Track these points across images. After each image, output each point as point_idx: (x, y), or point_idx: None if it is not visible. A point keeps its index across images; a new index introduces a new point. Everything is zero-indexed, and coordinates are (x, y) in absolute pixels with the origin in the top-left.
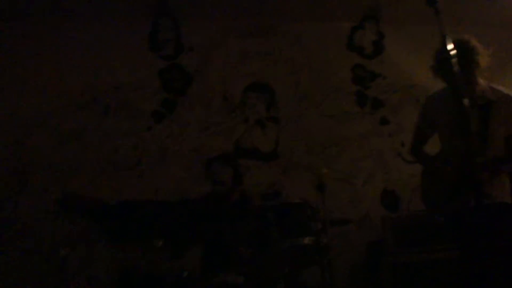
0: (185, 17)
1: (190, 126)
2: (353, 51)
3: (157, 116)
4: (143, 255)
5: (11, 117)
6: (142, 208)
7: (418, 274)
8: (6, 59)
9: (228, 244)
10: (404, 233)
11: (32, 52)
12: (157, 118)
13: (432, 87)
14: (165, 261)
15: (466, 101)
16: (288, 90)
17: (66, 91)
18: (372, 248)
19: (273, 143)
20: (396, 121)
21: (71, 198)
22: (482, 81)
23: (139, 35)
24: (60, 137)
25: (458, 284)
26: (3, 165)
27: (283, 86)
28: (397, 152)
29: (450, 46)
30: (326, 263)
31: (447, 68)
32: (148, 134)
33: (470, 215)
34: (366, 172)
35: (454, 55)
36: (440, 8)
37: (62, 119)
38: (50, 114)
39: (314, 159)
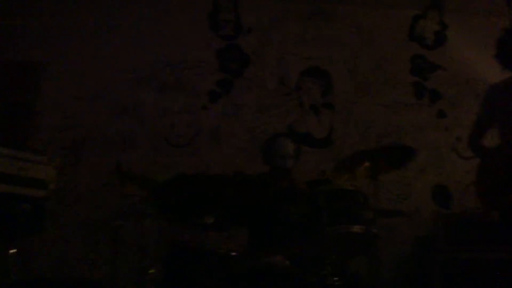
0: None
1: (245, 107)
2: (414, 41)
3: (213, 95)
4: (192, 231)
5: (70, 90)
6: (196, 182)
7: (469, 273)
8: (67, 33)
9: (276, 226)
10: (456, 230)
11: (92, 27)
12: (212, 98)
13: (494, 81)
14: (213, 239)
15: None
16: (344, 76)
17: (125, 66)
18: (420, 243)
19: (327, 129)
20: (453, 115)
21: (125, 174)
22: None
23: (199, 14)
24: (116, 111)
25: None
26: (61, 136)
27: (340, 73)
28: (452, 146)
29: None
30: (374, 253)
31: None
32: (203, 113)
33: None
34: (419, 165)
35: None
36: None
37: (119, 93)
38: (108, 88)
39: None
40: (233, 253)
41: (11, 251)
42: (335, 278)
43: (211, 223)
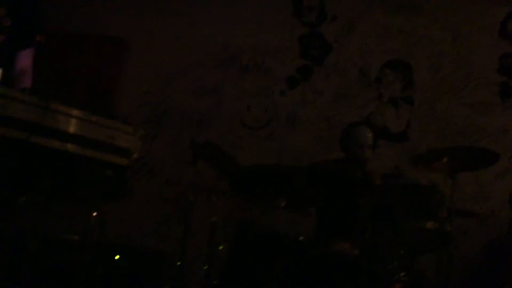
0: None
1: (323, 96)
2: (505, 39)
3: (292, 81)
4: (263, 213)
5: (153, 66)
6: (273, 173)
7: None
8: (153, 11)
9: (348, 215)
10: None
11: (178, 9)
12: (291, 84)
13: None
14: (281, 221)
15: None
16: (427, 72)
17: (207, 47)
18: (493, 247)
19: (404, 124)
20: None
21: (208, 147)
22: None
23: (283, 0)
24: (196, 91)
25: None
26: (141, 111)
27: (423, 68)
28: None
29: None
30: (444, 253)
31: None
32: (281, 98)
33: None
34: (499, 168)
35: None
36: None
37: (200, 73)
38: (189, 68)
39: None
40: (301, 238)
41: (94, 213)
42: (402, 274)
43: (282, 206)
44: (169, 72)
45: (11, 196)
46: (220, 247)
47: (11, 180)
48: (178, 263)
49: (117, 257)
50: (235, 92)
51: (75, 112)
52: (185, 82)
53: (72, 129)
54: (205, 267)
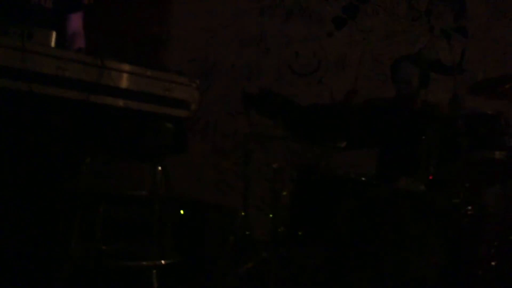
0: None
1: (371, 34)
2: None
3: (339, 22)
4: (323, 155)
5: (197, 21)
6: (331, 111)
7: None
8: None
9: (409, 150)
10: None
11: None
12: (338, 24)
13: None
14: (340, 163)
15: None
16: None
17: None
18: None
19: (458, 56)
20: None
21: (265, 94)
22: None
23: None
24: (242, 41)
25: None
26: (190, 67)
27: None
28: None
29: None
30: None
31: None
32: (329, 40)
33: None
34: None
35: None
36: None
37: (245, 23)
38: (233, 18)
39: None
40: (363, 178)
41: (159, 168)
42: (468, 207)
43: (343, 147)
44: (214, 24)
45: (76, 158)
46: (283, 193)
47: (74, 142)
48: (242, 214)
49: (182, 211)
50: (281, 39)
51: (130, 68)
52: (230, 33)
53: (128, 85)
54: (270, 215)
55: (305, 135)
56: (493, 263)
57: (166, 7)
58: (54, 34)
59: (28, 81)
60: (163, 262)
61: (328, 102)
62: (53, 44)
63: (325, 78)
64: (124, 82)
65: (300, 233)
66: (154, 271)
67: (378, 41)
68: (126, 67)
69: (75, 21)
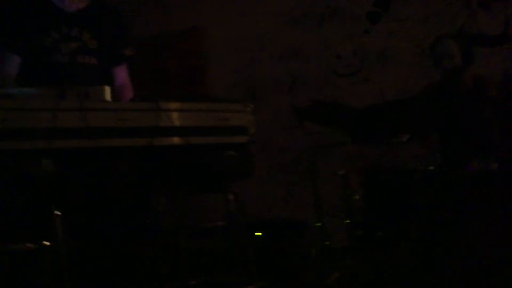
0: None
1: (408, 21)
2: None
3: (373, 17)
4: (387, 152)
5: (234, 45)
6: (385, 109)
7: None
8: None
9: (471, 131)
10: None
11: None
12: (373, 19)
13: None
14: (409, 156)
15: None
16: None
17: (279, 8)
18: None
19: (502, 24)
20: None
21: (316, 106)
22: None
23: None
24: (282, 55)
25: None
26: (237, 89)
27: None
28: None
29: None
30: None
31: None
32: (366, 37)
33: None
34: None
35: None
36: None
37: (280, 37)
38: (268, 35)
39: None
40: (431, 167)
41: (231, 197)
42: None
43: (405, 140)
44: (251, 45)
45: (150, 201)
46: (355, 197)
47: (145, 185)
48: (318, 224)
49: (259, 233)
50: (319, 45)
51: (184, 105)
52: (269, 49)
53: (186, 122)
54: (346, 221)
55: (365, 136)
56: None
57: (202, 39)
58: (108, 89)
59: (93, 138)
60: None
61: (381, 101)
62: (108, 98)
63: (371, 75)
64: (182, 120)
65: (380, 233)
66: None
67: (416, 27)
68: (181, 105)
69: (121, 73)
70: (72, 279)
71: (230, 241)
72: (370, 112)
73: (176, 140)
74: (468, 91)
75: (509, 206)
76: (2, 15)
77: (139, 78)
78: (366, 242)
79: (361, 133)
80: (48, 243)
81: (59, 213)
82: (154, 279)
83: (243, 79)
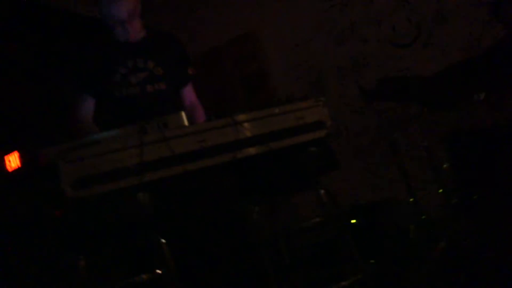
0: None
1: None
2: None
3: None
4: (464, 114)
5: (296, 32)
6: (456, 71)
7: None
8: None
9: None
10: None
11: None
12: None
13: None
14: (487, 115)
15: None
16: None
17: None
18: None
19: None
20: None
21: (382, 84)
22: None
23: None
24: (336, 37)
25: None
26: (300, 82)
27: None
28: None
29: None
30: None
31: None
32: (417, 1)
33: None
34: None
35: None
36: None
37: (332, 20)
38: (321, 20)
39: None
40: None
41: (322, 191)
42: None
43: (482, 99)
44: (305, 36)
45: (244, 212)
46: (444, 166)
47: (238, 199)
48: (411, 200)
49: (353, 221)
50: (371, 21)
51: (258, 113)
52: (323, 36)
53: (264, 129)
54: (439, 191)
55: (440, 102)
56: None
57: (257, 42)
58: (184, 114)
59: (180, 164)
60: (360, 276)
61: (447, 64)
62: (186, 122)
63: (431, 38)
64: (259, 128)
65: (475, 197)
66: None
67: None
68: (255, 114)
69: (189, 93)
70: None
71: (328, 235)
72: (440, 78)
73: (257, 149)
74: None
75: None
76: (73, 60)
77: (204, 92)
78: (463, 209)
79: (435, 100)
80: (160, 271)
81: (164, 241)
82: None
83: (304, 72)
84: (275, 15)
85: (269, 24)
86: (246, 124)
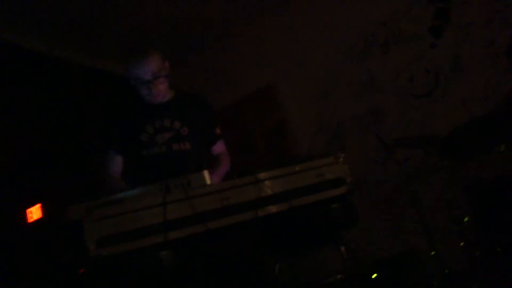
0: None
1: (474, 25)
2: None
3: (436, 30)
4: (486, 164)
5: (315, 84)
6: (475, 126)
7: None
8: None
9: None
10: None
11: (311, 15)
12: (436, 33)
13: None
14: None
15: None
16: None
17: (342, 44)
18: None
19: None
20: None
21: (402, 141)
22: None
23: None
24: (356, 89)
25: None
26: (318, 137)
27: None
28: None
29: None
30: None
31: None
32: (434, 52)
33: None
34: None
35: None
36: None
37: (351, 72)
38: (339, 71)
39: None
40: None
41: (342, 248)
42: None
43: (503, 150)
44: (325, 88)
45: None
46: (465, 219)
47: (260, 256)
48: (432, 253)
49: (374, 275)
50: (390, 72)
51: (280, 171)
52: (343, 88)
53: (285, 186)
54: (461, 244)
55: (460, 154)
56: None
57: (277, 95)
58: (207, 173)
59: (203, 222)
60: None
61: (465, 114)
62: (208, 181)
63: (448, 88)
64: (281, 186)
65: (498, 249)
66: None
67: (482, 30)
68: (277, 172)
69: (218, 147)
70: None
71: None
72: (459, 134)
73: (279, 206)
74: None
75: None
76: (104, 119)
77: (226, 145)
78: (487, 262)
79: (455, 152)
80: None
81: None
82: None
83: (324, 123)
84: (293, 68)
85: (288, 77)
86: (267, 182)
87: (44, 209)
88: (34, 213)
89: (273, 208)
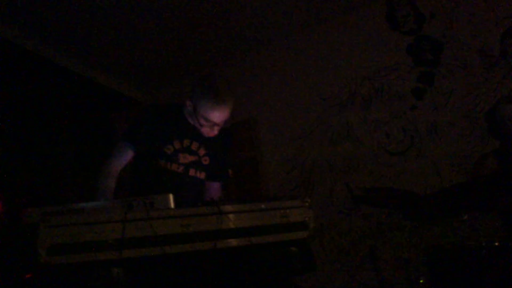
0: None
1: (454, 93)
2: None
3: (418, 92)
4: (447, 231)
5: (283, 133)
6: (445, 194)
7: None
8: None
9: None
10: None
11: (300, 59)
12: (418, 95)
13: None
14: (469, 234)
15: None
16: None
17: (326, 94)
18: None
19: None
20: None
21: (369, 193)
22: None
23: (377, 20)
24: (332, 137)
25: None
26: (288, 178)
27: None
28: None
29: None
30: None
31: None
32: (414, 113)
33: None
34: None
35: None
36: None
37: (328, 121)
38: (316, 120)
39: None
40: (496, 243)
41: None
42: None
43: (465, 219)
44: (301, 132)
45: None
46: (421, 281)
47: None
48: None
49: None
50: (368, 125)
51: (244, 207)
52: (319, 134)
53: (248, 222)
54: None
55: (424, 217)
56: None
57: (255, 129)
58: (171, 197)
59: (160, 246)
60: None
61: (436, 177)
62: (172, 205)
63: (422, 150)
64: (243, 221)
65: None
66: None
67: (462, 99)
68: (241, 206)
69: (218, 188)
70: None
71: None
72: (429, 198)
73: (238, 241)
74: None
75: None
76: (141, 118)
77: None
78: None
79: (420, 215)
80: None
81: None
82: None
83: (298, 165)
84: (274, 106)
85: (267, 114)
86: (231, 215)
87: (2, 205)
88: None
89: (232, 242)
